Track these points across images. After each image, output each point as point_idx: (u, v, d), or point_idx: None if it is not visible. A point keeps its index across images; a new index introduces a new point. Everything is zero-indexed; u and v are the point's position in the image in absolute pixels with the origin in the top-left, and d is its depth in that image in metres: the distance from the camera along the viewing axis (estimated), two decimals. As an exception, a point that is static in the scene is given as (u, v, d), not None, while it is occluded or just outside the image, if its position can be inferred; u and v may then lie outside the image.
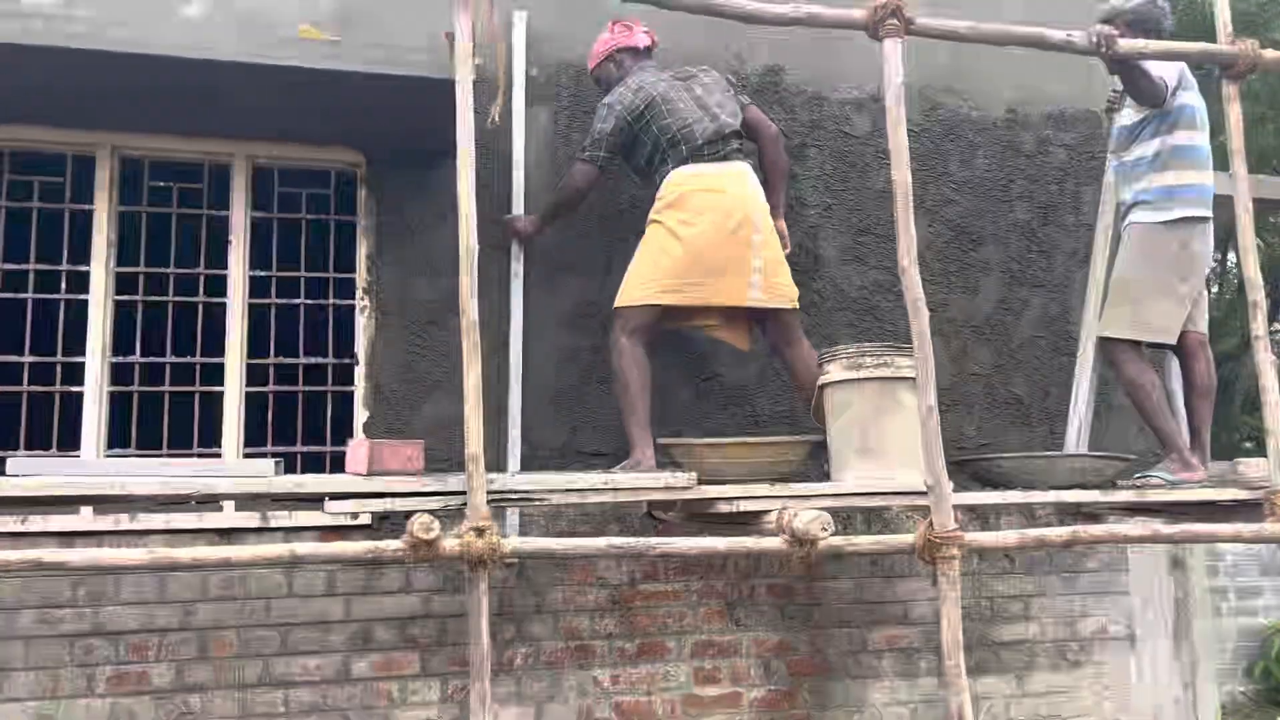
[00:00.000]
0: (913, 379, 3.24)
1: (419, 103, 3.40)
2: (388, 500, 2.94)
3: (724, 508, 3.33)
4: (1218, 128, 3.79)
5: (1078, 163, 4.85)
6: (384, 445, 2.99)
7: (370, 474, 2.95)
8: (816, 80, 4.59)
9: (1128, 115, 4.00)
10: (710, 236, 3.72)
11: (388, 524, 3.81)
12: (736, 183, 3.83)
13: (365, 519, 3.81)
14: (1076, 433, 4.44)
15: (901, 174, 3.15)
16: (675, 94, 3.88)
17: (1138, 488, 3.70)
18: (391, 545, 2.80)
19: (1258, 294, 3.53)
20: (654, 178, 3.91)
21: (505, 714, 3.86)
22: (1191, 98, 3.88)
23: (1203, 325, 3.97)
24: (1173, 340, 3.86)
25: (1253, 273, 3.55)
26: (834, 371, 3.66)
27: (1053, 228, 4.79)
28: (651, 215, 3.86)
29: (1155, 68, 3.73)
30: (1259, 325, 3.51)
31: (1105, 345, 3.98)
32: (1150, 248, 3.85)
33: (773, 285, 3.81)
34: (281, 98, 3.62)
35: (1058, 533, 3.25)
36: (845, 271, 4.52)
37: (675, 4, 3.26)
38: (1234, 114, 3.66)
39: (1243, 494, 3.55)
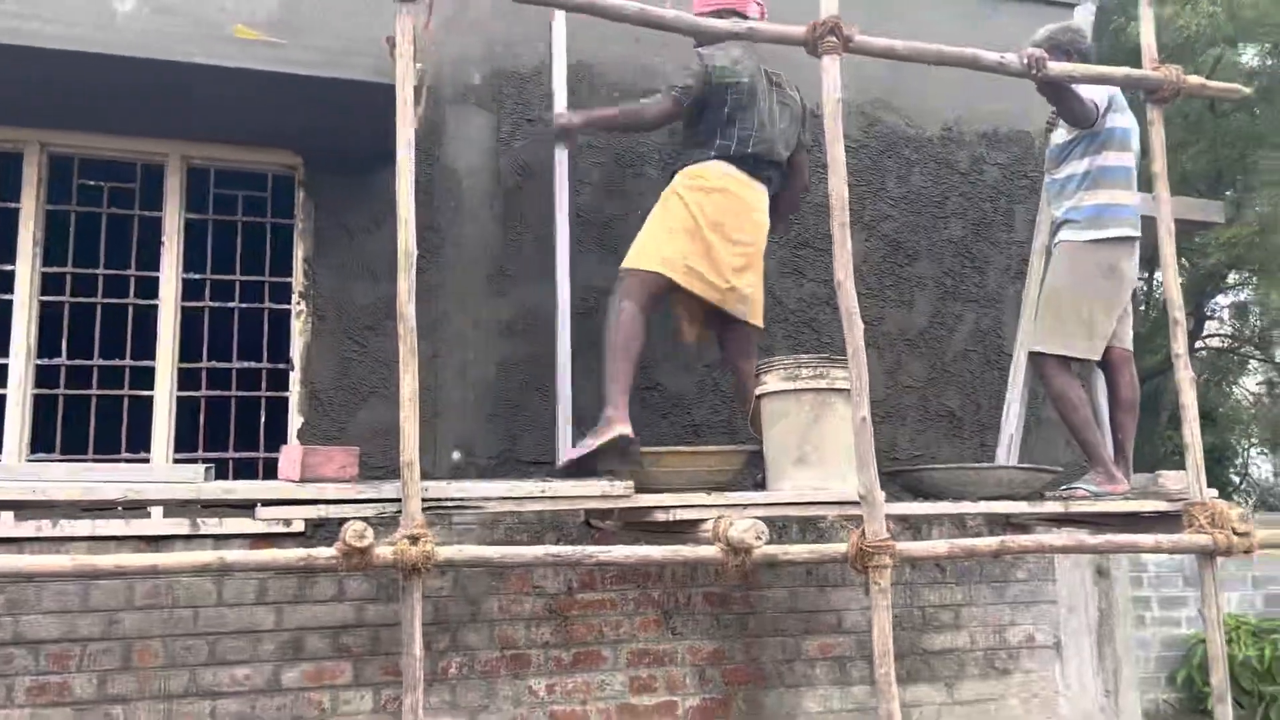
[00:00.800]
0: (847, 390, 3.28)
1: (359, 106, 3.38)
2: (320, 507, 2.90)
3: (661, 516, 3.35)
4: (1143, 149, 3.92)
5: (1010, 181, 4.97)
6: (317, 451, 2.96)
7: (303, 481, 2.91)
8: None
9: (1060, 134, 4.12)
10: (727, 233, 3.79)
11: (321, 532, 3.76)
12: (759, 202, 3.91)
13: (298, 526, 3.76)
14: (1007, 445, 4.53)
15: (838, 188, 3.20)
16: (760, 93, 3.88)
17: (1064, 499, 3.79)
18: (324, 553, 2.77)
19: (1179, 312, 3.63)
20: (693, 148, 3.87)
21: (438, 724, 3.83)
22: (1121, 119, 4.00)
23: (1128, 341, 4.08)
24: (1098, 356, 3.97)
25: (1174, 292, 3.66)
26: (771, 382, 3.70)
27: (986, 244, 4.89)
28: (681, 189, 3.82)
29: (1085, 91, 3.85)
30: (1179, 344, 3.62)
31: (1035, 359, 4.08)
32: (1078, 265, 3.95)
33: (755, 303, 3.91)
34: (218, 98, 3.57)
35: (986, 543, 3.32)
36: (784, 284, 4.57)
37: (624, 17, 3.27)
38: (1157, 137, 3.77)
39: (1163, 505, 3.65)
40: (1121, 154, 4.00)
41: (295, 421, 3.93)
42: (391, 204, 2.97)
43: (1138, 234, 3.97)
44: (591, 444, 3.47)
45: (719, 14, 3.81)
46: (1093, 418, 4.04)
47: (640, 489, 3.35)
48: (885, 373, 4.59)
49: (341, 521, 2.72)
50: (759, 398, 3.79)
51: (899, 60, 3.50)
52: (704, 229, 3.76)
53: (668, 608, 4.18)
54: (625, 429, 3.50)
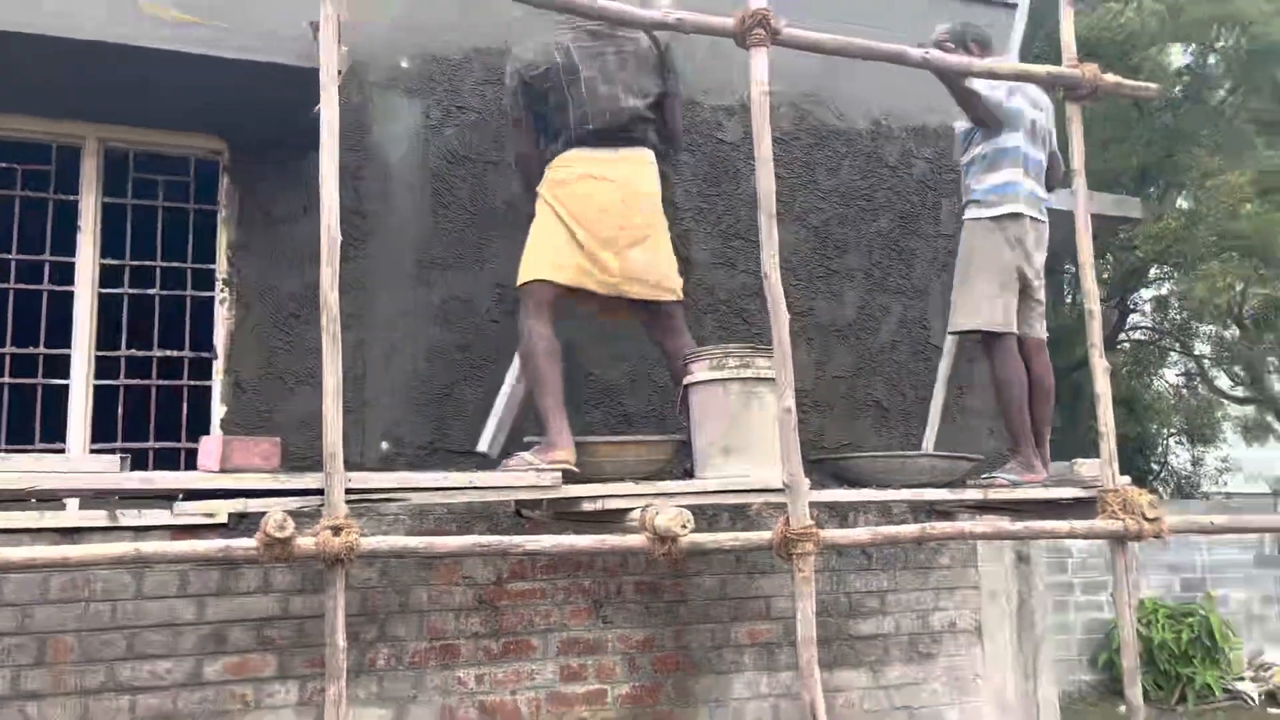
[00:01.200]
0: (774, 380, 3.32)
1: (284, 91, 3.33)
2: (242, 498, 2.86)
3: (589, 506, 3.36)
4: (1063, 146, 4.01)
5: (937, 175, 5.05)
6: (238, 441, 2.91)
7: (223, 471, 2.87)
8: (690, 86, 4.65)
9: (962, 122, 4.24)
10: (592, 223, 3.65)
11: (245, 523, 3.69)
12: (632, 172, 3.72)
13: (221, 518, 3.69)
14: (933, 434, 4.62)
15: (766, 181, 3.22)
16: (580, 61, 3.66)
17: (984, 487, 3.88)
18: (243, 544, 2.73)
19: (1094, 304, 3.73)
20: (551, 146, 3.74)
21: (366, 715, 3.80)
22: (1020, 102, 4.11)
23: (1040, 331, 4.18)
24: (1011, 328, 4.04)
25: (1090, 285, 3.75)
26: (698, 372, 3.73)
27: (913, 237, 4.98)
28: (543, 190, 3.72)
29: (984, 86, 4.00)
30: (1094, 334, 3.72)
31: (987, 343, 4.13)
32: (980, 243, 4.08)
33: (657, 279, 3.76)
34: (138, 80, 3.48)
35: (908, 530, 3.38)
36: (716, 275, 4.60)
37: (552, 5, 3.26)
38: (1076, 133, 3.87)
39: (1078, 492, 3.76)
40: (1016, 135, 4.11)
41: (218, 411, 3.86)
42: (318, 190, 2.93)
43: (1037, 215, 4.10)
44: (531, 464, 3.36)
45: None
46: (1027, 407, 4.10)
47: (569, 479, 3.36)
48: (814, 363, 4.65)
49: (265, 513, 2.69)
50: (687, 387, 3.82)
51: (827, 54, 3.54)
52: (567, 223, 3.64)
53: (598, 597, 4.20)
54: (566, 454, 3.40)
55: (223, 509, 2.97)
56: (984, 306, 4.03)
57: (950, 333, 4.34)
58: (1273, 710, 9.68)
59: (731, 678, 4.33)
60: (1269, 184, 10.35)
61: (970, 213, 4.15)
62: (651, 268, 3.75)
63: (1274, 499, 12.74)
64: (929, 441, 4.58)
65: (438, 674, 3.93)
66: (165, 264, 3.97)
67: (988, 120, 4.08)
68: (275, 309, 3.94)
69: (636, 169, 3.75)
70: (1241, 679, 10.55)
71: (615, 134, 3.72)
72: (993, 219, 4.06)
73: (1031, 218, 4.08)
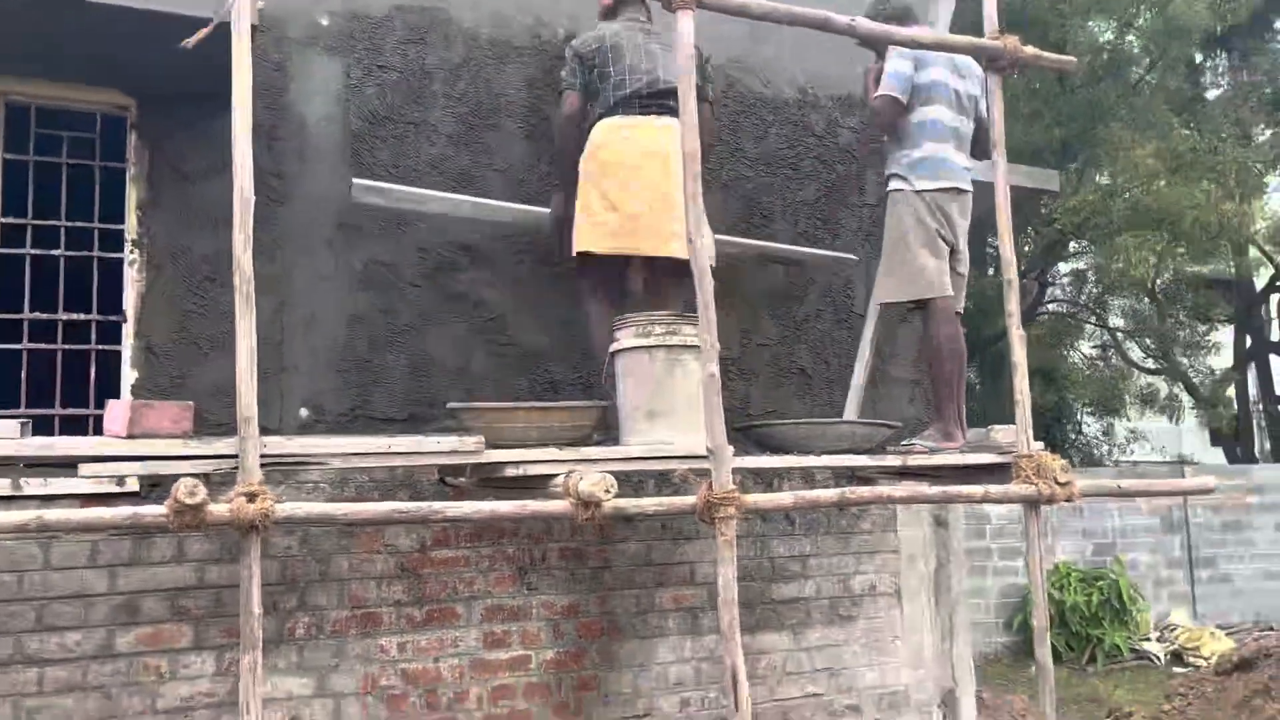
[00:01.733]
0: (699, 347, 3.33)
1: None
2: (151, 464, 2.77)
3: (512, 472, 3.34)
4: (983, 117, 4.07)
5: (862, 145, 5.09)
6: (147, 406, 2.83)
7: (132, 436, 2.78)
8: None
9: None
10: (633, 189, 3.82)
11: (158, 492, 3.59)
12: (657, 137, 3.88)
13: (132, 485, 3.59)
14: (856, 401, 4.66)
15: (691, 143, 3.21)
16: (626, 45, 3.95)
17: (904, 453, 3.95)
18: (153, 511, 2.66)
19: (1012, 273, 3.80)
20: (587, 122, 3.97)
21: (286, 684, 3.75)
22: (940, 74, 4.15)
23: (958, 302, 4.24)
24: (940, 293, 4.08)
25: (1008, 254, 3.82)
26: (624, 339, 3.72)
27: (838, 206, 5.01)
28: (580, 164, 3.93)
29: (890, 62, 4.11)
30: (1012, 303, 3.79)
31: (922, 308, 4.19)
32: (904, 214, 4.13)
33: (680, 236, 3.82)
34: (38, 30, 3.33)
35: (829, 494, 3.42)
36: (643, 241, 4.57)
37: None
38: (997, 104, 3.92)
39: (994, 458, 3.84)
40: (936, 108, 4.15)
41: (129, 377, 3.74)
42: (230, 149, 2.85)
43: (960, 185, 4.15)
44: None
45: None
46: (959, 378, 4.17)
47: (492, 445, 3.33)
48: (740, 330, 4.67)
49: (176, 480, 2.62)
50: (613, 354, 3.81)
51: (753, 19, 3.53)
52: (599, 189, 3.85)
53: (523, 564, 4.18)
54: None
55: (128, 473, 2.87)
56: (919, 276, 4.07)
57: (881, 303, 4.37)
58: (1178, 670, 10.08)
59: (656, 642, 4.36)
60: (1181, 161, 10.65)
61: (893, 185, 4.20)
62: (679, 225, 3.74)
63: (1179, 467, 13.21)
64: (851, 409, 4.63)
65: (359, 642, 3.88)
66: (71, 224, 3.82)
67: (883, 128, 4.20)
68: (188, 271, 3.82)
69: (662, 134, 3.88)
70: (1148, 640, 10.98)
71: (649, 101, 3.94)
72: (915, 192, 4.11)
73: (956, 189, 4.13)
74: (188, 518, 2.63)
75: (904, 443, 4.03)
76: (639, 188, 3.87)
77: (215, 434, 3.41)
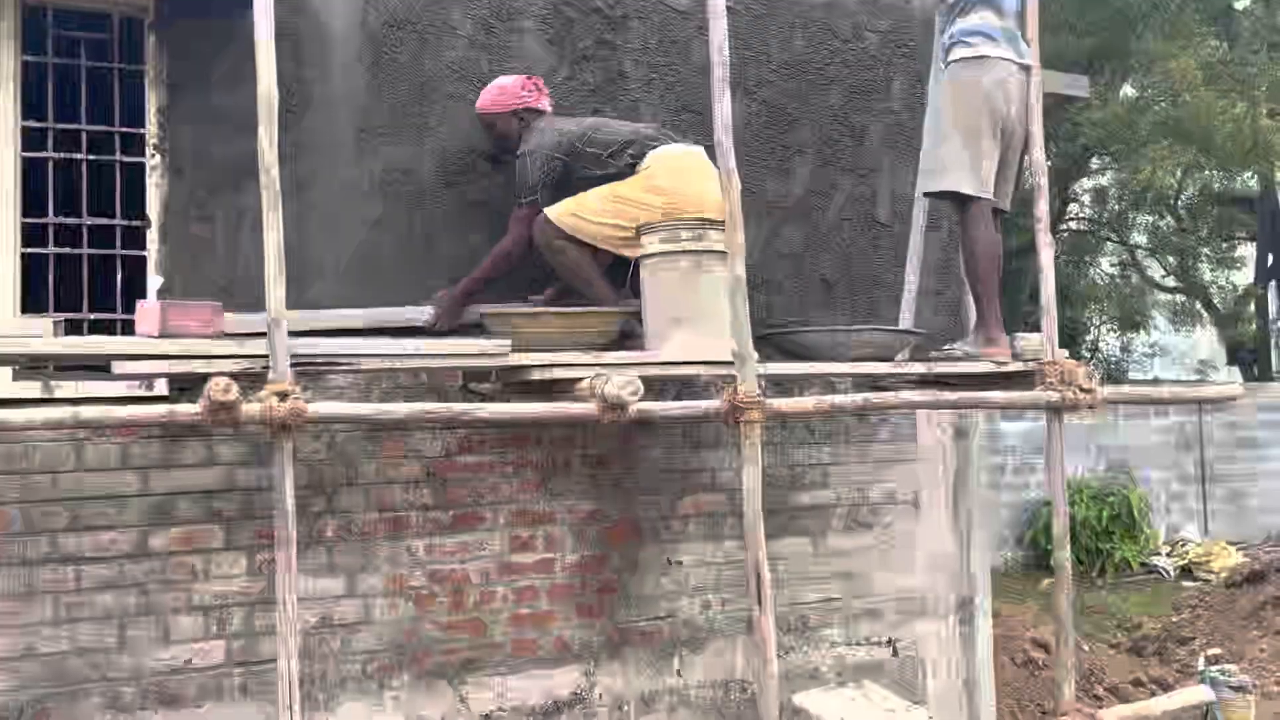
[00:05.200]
0: (724, 253, 3.31)
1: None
2: (183, 363, 2.80)
3: (539, 375, 3.35)
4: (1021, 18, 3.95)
5: (889, 50, 4.98)
6: (177, 305, 2.85)
7: (163, 336, 2.80)
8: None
9: None
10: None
11: (187, 396, 3.63)
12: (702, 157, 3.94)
13: (161, 389, 3.63)
14: (911, 309, 4.53)
15: (718, 39, 3.15)
16: (600, 121, 4.09)
17: (928, 361, 3.93)
18: (187, 409, 2.70)
19: (1042, 178, 3.76)
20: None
21: (316, 585, 3.83)
22: None
23: (1005, 202, 4.07)
24: (988, 192, 3.88)
25: (1039, 156, 3.77)
26: (649, 244, 3.70)
27: (864, 113, 4.92)
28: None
29: None
30: (1040, 208, 3.76)
31: (956, 204, 4.00)
32: (964, 89, 3.86)
33: None
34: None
35: (850, 399, 3.45)
36: (665, 148, 4.51)
37: None
38: (1031, 6, 3.84)
39: (1018, 365, 3.84)
40: None
41: (154, 282, 3.75)
42: (252, 52, 2.81)
43: (1023, 61, 3.87)
44: None
45: (516, 112, 4.00)
46: (997, 278, 4.01)
47: (518, 350, 3.34)
48: (762, 239, 4.63)
49: (207, 380, 2.64)
50: (637, 261, 3.79)
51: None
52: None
53: (546, 470, 4.23)
54: None
55: (162, 372, 2.89)
56: (959, 167, 3.85)
57: (925, 194, 4.21)
58: (1187, 584, 10.22)
59: (678, 546, 4.43)
60: (1212, 73, 10.40)
61: (953, 54, 3.92)
62: None
63: (1199, 381, 13.18)
64: (906, 317, 4.51)
65: (387, 545, 3.95)
66: (92, 128, 3.79)
67: None
68: (211, 175, 3.80)
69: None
70: (1158, 554, 11.11)
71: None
72: (976, 58, 3.84)
73: (1020, 63, 3.86)
74: (222, 415, 2.67)
75: (946, 347, 3.99)
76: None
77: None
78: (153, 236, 3.76)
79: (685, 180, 3.86)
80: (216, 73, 3.79)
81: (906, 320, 4.46)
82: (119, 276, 3.79)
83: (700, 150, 3.98)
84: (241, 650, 3.72)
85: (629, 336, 3.84)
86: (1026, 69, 3.86)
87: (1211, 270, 14.17)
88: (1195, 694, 4.14)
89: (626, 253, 3.87)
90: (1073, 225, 14.57)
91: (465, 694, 4.03)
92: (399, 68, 4.07)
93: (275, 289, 2.78)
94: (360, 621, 3.90)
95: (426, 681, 3.98)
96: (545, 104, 4.08)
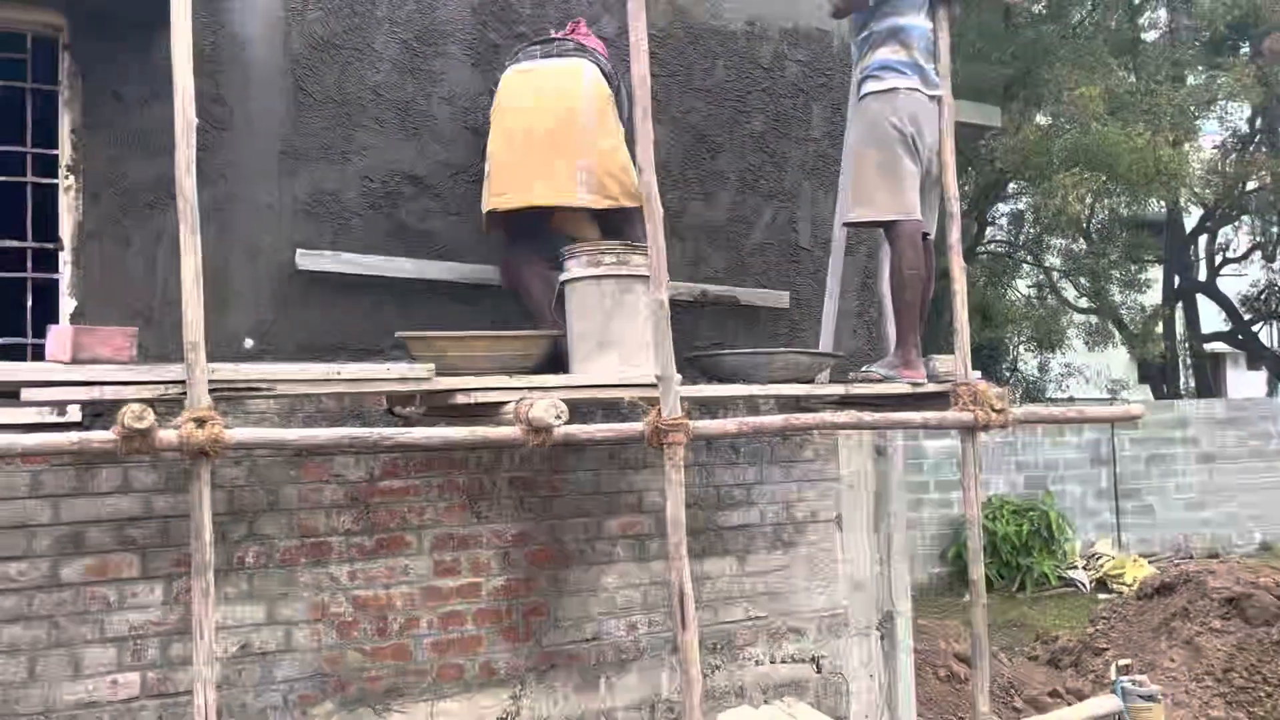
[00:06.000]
0: (648, 276, 3.36)
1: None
2: (95, 390, 2.74)
3: (463, 399, 3.35)
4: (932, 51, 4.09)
5: (809, 79, 5.10)
6: (90, 331, 2.79)
7: (75, 362, 2.75)
8: (566, -22, 4.56)
9: None
10: (519, 138, 3.79)
11: (101, 422, 3.56)
12: (559, 78, 3.83)
13: (75, 415, 3.55)
14: (831, 332, 4.62)
15: (640, 73, 3.21)
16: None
17: (846, 382, 4.02)
18: (100, 436, 2.65)
19: (954, 206, 3.89)
20: None
21: (236, 612, 3.77)
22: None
23: (930, 229, 4.16)
24: (914, 215, 3.96)
25: (952, 186, 3.90)
26: (573, 269, 3.74)
27: (785, 140, 5.03)
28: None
29: None
30: (954, 234, 3.88)
31: (887, 230, 4.07)
32: (874, 120, 3.97)
33: (602, 183, 3.78)
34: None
35: (772, 420, 3.51)
36: (590, 173, 4.56)
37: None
38: (944, 37, 3.98)
39: (933, 387, 3.95)
40: (913, 16, 4.01)
41: (67, 306, 3.67)
42: (170, 72, 2.79)
43: (933, 92, 3.98)
44: None
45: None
46: (920, 305, 4.07)
47: (442, 374, 3.34)
48: (687, 263, 4.70)
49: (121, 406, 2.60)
50: (563, 284, 3.83)
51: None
52: (492, 146, 3.93)
53: (472, 493, 4.22)
54: None
55: (74, 398, 2.84)
56: (881, 195, 3.94)
57: (845, 223, 4.28)
58: (1102, 596, 10.52)
59: (605, 568, 4.44)
60: (1119, 102, 10.82)
61: (864, 88, 4.03)
62: (598, 175, 3.79)
63: (1111, 400, 13.61)
64: (826, 340, 4.60)
65: (309, 571, 3.90)
66: (4, 148, 3.70)
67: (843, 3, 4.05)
68: (127, 198, 3.74)
69: (568, 77, 3.86)
70: (1075, 568, 11.44)
71: (552, 47, 3.96)
72: (885, 91, 3.94)
73: (927, 94, 3.97)
74: (136, 443, 2.62)
75: (864, 369, 4.08)
76: (513, 130, 3.84)
77: (158, 361, 3.37)
78: (65, 259, 3.68)
79: (510, 124, 3.86)
80: (133, 93, 3.74)
81: (827, 343, 4.56)
82: (29, 301, 3.70)
83: (561, 68, 3.86)
84: (158, 681, 3.64)
85: (556, 359, 3.86)
86: (936, 99, 3.98)
87: (1121, 292, 14.68)
88: (1104, 703, 4.28)
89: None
90: (991, 248, 14.99)
91: (390, 721, 3.99)
92: (323, 90, 4.05)
93: (193, 313, 2.75)
94: (282, 649, 3.84)
95: (350, 709, 3.93)
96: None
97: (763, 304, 4.82)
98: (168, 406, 3.11)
